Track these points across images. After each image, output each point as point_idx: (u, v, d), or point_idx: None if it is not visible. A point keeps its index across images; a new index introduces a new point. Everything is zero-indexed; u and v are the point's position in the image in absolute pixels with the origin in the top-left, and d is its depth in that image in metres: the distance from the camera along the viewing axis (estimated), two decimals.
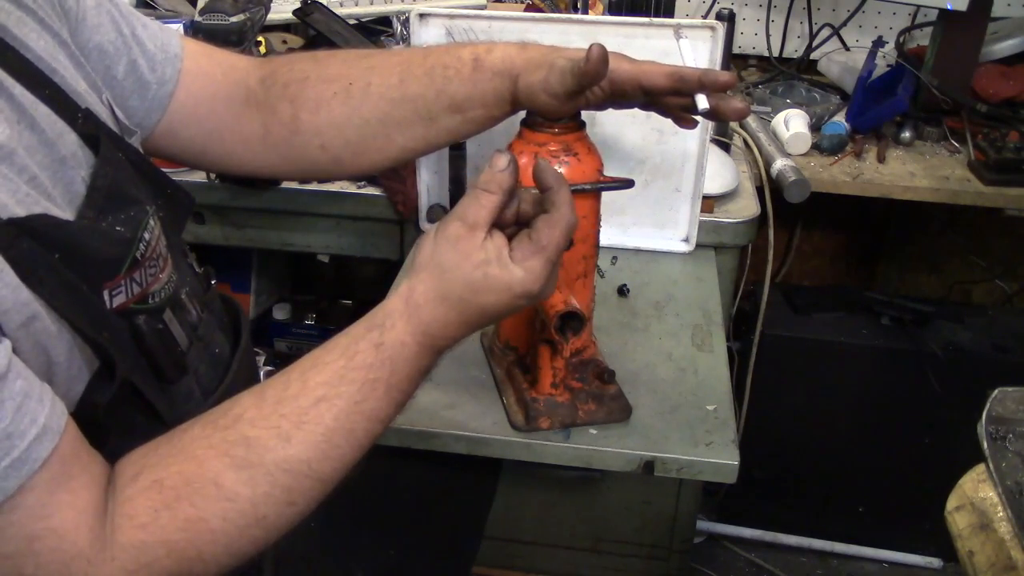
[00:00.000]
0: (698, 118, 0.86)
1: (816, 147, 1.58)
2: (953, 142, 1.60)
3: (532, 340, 0.89)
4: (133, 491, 0.61)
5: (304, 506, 0.65)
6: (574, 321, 0.82)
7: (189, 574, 0.60)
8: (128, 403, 0.67)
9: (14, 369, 0.55)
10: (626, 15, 1.47)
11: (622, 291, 1.16)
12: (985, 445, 0.68)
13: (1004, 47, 1.65)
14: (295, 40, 1.59)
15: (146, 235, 0.68)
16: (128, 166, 0.72)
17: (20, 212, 0.59)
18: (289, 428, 0.64)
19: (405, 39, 1.50)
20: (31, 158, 0.63)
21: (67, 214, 0.64)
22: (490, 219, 0.68)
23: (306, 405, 0.65)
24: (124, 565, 0.58)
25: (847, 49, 1.88)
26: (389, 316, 0.68)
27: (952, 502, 0.69)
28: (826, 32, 1.87)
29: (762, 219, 1.34)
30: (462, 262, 0.68)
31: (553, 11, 1.59)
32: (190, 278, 0.79)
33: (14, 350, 0.56)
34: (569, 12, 1.60)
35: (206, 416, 0.66)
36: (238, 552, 0.62)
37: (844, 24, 1.85)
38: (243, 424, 0.64)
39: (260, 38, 1.46)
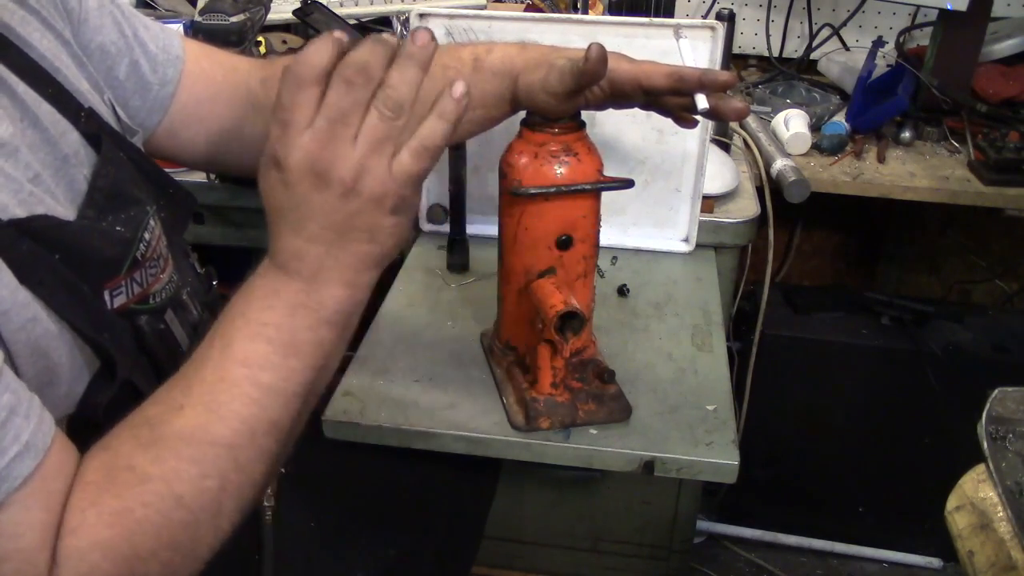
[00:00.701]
0: (698, 117, 0.86)
1: (816, 147, 1.58)
2: (953, 142, 1.60)
3: (532, 340, 0.89)
4: (71, 496, 0.57)
5: (220, 480, 0.60)
6: (574, 321, 0.82)
7: (132, 573, 0.56)
8: (129, 404, 0.67)
9: (2, 382, 0.54)
10: (626, 15, 1.47)
11: (622, 291, 1.16)
12: (985, 445, 0.68)
13: (1004, 47, 1.65)
14: (295, 40, 1.59)
15: (146, 235, 0.68)
16: (129, 165, 0.72)
17: (21, 213, 0.59)
18: (180, 397, 0.61)
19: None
20: (34, 155, 0.63)
21: (69, 213, 0.64)
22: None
23: (191, 372, 0.62)
24: None
25: (847, 49, 1.88)
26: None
27: (952, 502, 0.69)
28: (826, 32, 1.87)
29: (762, 219, 1.34)
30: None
31: (553, 11, 1.59)
32: (191, 279, 0.79)
33: (12, 353, 0.56)
34: (569, 12, 1.60)
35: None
36: (171, 542, 0.58)
37: (844, 24, 1.85)
38: (147, 405, 0.62)
39: (260, 38, 1.46)
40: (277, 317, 0.63)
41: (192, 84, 0.86)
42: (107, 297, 0.64)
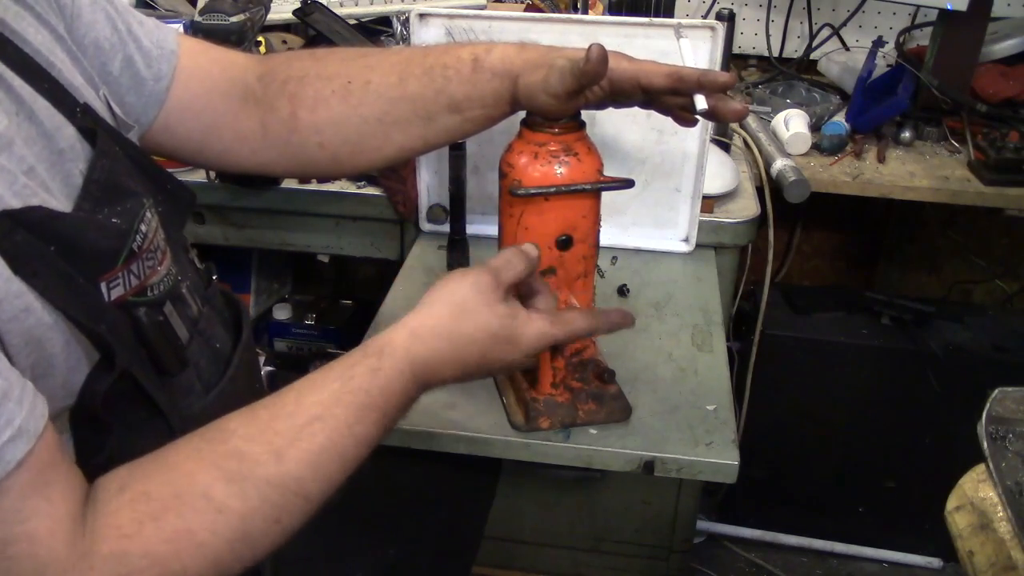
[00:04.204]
0: (698, 117, 0.86)
1: (816, 147, 1.58)
2: (953, 142, 1.60)
3: None
4: (119, 504, 0.59)
5: (288, 525, 0.64)
6: None
7: None
8: (128, 397, 0.67)
9: None
10: (626, 15, 1.47)
11: (622, 291, 1.16)
12: (985, 445, 0.68)
13: (1004, 47, 1.65)
14: (295, 40, 1.59)
15: (143, 227, 0.68)
16: (125, 160, 0.72)
17: (16, 203, 0.59)
18: (282, 445, 0.64)
19: (405, 39, 1.50)
20: (29, 149, 0.63)
21: (65, 206, 0.64)
22: (514, 281, 0.77)
23: (300, 423, 0.66)
24: (103, 575, 0.57)
25: (847, 49, 1.88)
26: (390, 344, 0.71)
27: (952, 502, 0.69)
28: (826, 32, 1.87)
29: (762, 219, 1.34)
30: (483, 308, 0.74)
31: (553, 11, 1.59)
32: (191, 273, 0.79)
33: (5, 343, 0.56)
34: (569, 12, 1.60)
35: (196, 433, 0.66)
36: (224, 568, 0.61)
37: (844, 24, 1.85)
38: (236, 439, 0.64)
39: (260, 38, 1.46)
40: (398, 412, 0.72)
41: (187, 79, 0.85)
42: (104, 289, 0.64)
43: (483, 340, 0.74)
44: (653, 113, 0.89)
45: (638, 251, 1.26)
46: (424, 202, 1.28)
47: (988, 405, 0.71)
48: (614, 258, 1.24)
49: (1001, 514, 0.65)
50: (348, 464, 0.67)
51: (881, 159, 1.55)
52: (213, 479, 0.62)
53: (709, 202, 1.27)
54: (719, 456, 0.87)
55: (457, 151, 1.14)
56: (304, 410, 0.66)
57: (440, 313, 0.74)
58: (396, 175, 1.28)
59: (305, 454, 0.64)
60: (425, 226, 1.30)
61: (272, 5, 1.43)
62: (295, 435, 0.65)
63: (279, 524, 0.64)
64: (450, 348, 0.73)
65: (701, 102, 0.80)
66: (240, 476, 0.62)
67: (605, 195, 0.89)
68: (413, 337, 0.72)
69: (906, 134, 1.60)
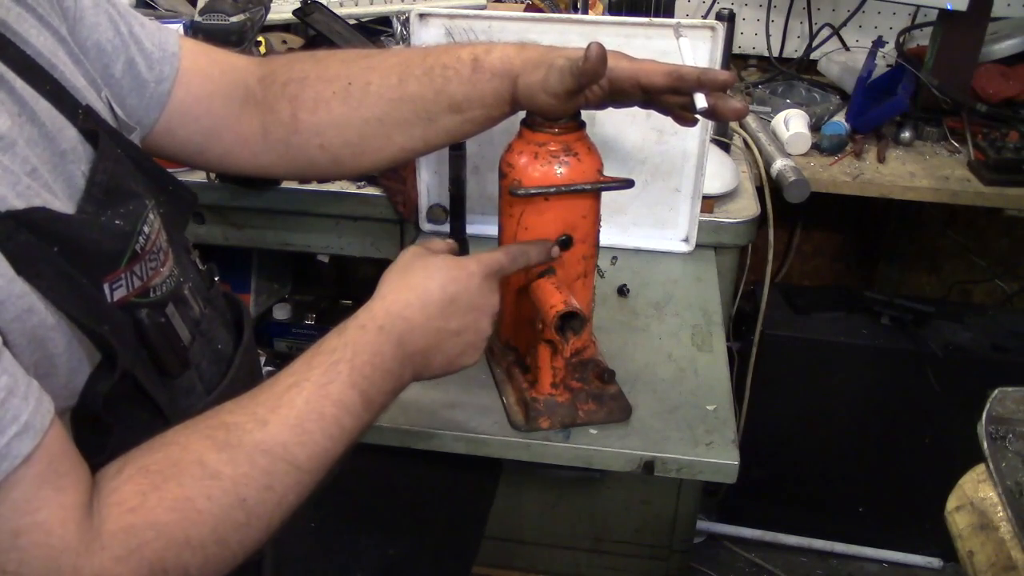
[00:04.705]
0: (698, 116, 0.86)
1: (816, 147, 1.58)
2: (953, 142, 1.60)
3: (532, 340, 0.89)
4: (119, 481, 0.60)
5: (281, 493, 0.65)
6: (574, 321, 0.82)
7: (177, 560, 0.59)
8: (130, 398, 0.67)
9: (0, 364, 0.55)
10: (626, 15, 1.47)
11: (622, 291, 1.16)
12: (985, 445, 0.68)
13: (1004, 47, 1.65)
14: (295, 40, 1.59)
15: (145, 228, 0.68)
16: (127, 162, 0.72)
17: (19, 204, 0.59)
18: (265, 413, 0.66)
19: (405, 39, 1.50)
20: (31, 150, 0.63)
21: (67, 208, 0.64)
22: (494, 269, 0.81)
23: (279, 391, 0.68)
24: (114, 552, 0.57)
25: (847, 49, 1.88)
26: (356, 313, 0.75)
27: (952, 502, 0.69)
28: (826, 32, 1.87)
29: (762, 219, 1.34)
30: (429, 258, 0.79)
31: (553, 11, 1.59)
32: (193, 274, 0.79)
33: (7, 343, 0.56)
34: (569, 12, 1.60)
35: (187, 421, 0.67)
36: (223, 537, 0.62)
37: (844, 24, 1.85)
38: (223, 413, 0.66)
39: (260, 38, 1.46)
40: (374, 375, 0.71)
41: (188, 81, 0.85)
42: (107, 290, 0.64)
43: (439, 278, 0.77)
44: (653, 113, 0.89)
45: (638, 251, 1.26)
46: (424, 202, 1.28)
47: (988, 405, 0.71)
48: (614, 258, 1.24)
49: (1001, 514, 0.65)
50: (330, 428, 0.67)
51: (881, 159, 1.55)
52: (205, 448, 0.63)
53: (709, 202, 1.27)
54: (719, 456, 0.87)
55: (457, 151, 1.14)
56: (282, 380, 0.69)
57: (391, 277, 0.78)
58: (396, 175, 1.28)
59: (286, 419, 0.66)
60: (425, 226, 1.30)
61: (272, 5, 1.43)
62: (275, 403, 0.67)
63: (272, 491, 0.64)
64: (410, 292, 0.76)
65: (701, 101, 0.80)
66: (228, 444, 0.63)
67: (605, 195, 0.89)
68: (373, 298, 0.76)
69: (906, 134, 1.60)
